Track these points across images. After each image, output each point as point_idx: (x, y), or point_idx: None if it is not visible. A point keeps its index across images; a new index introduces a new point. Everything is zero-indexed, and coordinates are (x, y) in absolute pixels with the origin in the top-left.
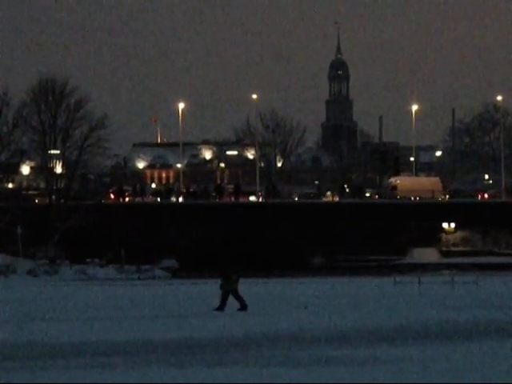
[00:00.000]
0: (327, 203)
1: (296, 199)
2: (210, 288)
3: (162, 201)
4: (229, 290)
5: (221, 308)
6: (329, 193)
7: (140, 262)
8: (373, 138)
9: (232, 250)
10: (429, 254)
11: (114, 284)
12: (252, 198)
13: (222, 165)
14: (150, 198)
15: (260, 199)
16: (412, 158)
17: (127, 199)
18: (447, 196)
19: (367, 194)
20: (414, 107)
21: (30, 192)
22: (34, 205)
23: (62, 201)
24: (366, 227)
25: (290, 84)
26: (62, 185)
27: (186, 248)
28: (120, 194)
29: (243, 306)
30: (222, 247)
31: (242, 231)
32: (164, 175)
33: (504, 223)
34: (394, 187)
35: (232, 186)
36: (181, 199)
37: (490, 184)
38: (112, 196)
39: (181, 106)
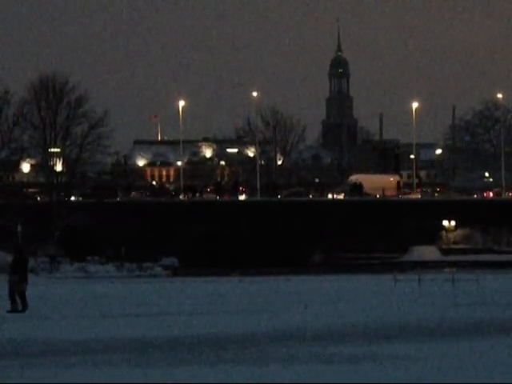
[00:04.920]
0: (327, 201)
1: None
2: (209, 286)
3: (160, 198)
4: (17, 290)
5: (15, 310)
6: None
7: (140, 260)
8: (373, 135)
9: (232, 248)
10: (429, 252)
11: (114, 282)
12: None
13: (223, 162)
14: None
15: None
16: (412, 156)
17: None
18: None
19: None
20: (415, 105)
21: (31, 190)
22: (35, 202)
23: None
24: (367, 225)
25: (291, 82)
26: (63, 182)
27: (187, 246)
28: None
29: (23, 309)
30: (221, 245)
31: (240, 229)
32: (164, 173)
33: (504, 221)
34: (360, 185)
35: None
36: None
37: (491, 182)
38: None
39: (181, 103)
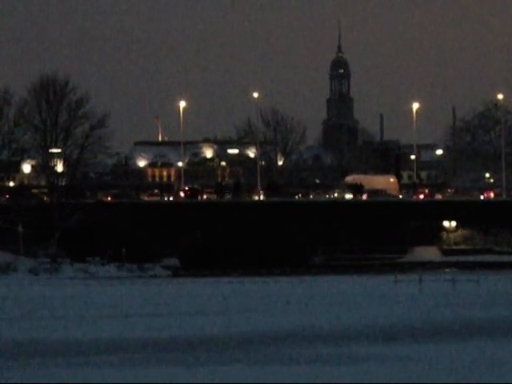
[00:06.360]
0: (328, 201)
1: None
2: (209, 287)
3: (162, 199)
4: None
5: None
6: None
7: (141, 261)
8: (374, 136)
9: (233, 249)
10: (430, 253)
11: (114, 283)
12: None
13: (223, 163)
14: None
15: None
16: (413, 157)
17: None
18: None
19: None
20: (415, 105)
21: (33, 190)
22: (36, 203)
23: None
24: (368, 225)
25: (291, 82)
26: (63, 183)
27: (188, 246)
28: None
29: None
30: (223, 246)
31: (242, 230)
32: (165, 173)
33: (505, 222)
34: (361, 185)
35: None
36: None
37: (492, 183)
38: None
39: (182, 104)
